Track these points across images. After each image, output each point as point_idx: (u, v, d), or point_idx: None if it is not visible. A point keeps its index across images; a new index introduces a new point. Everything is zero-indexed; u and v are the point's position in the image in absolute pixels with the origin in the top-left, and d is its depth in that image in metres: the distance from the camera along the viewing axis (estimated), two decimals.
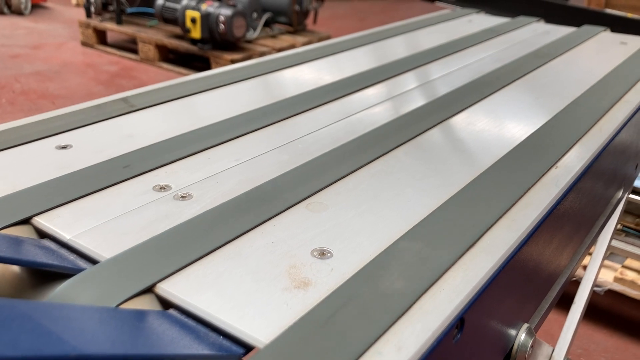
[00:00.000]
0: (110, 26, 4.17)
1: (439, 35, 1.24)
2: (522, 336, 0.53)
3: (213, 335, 0.36)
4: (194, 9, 3.61)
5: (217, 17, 3.55)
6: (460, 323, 0.39)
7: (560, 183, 0.58)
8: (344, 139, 0.66)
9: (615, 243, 1.75)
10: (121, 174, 0.55)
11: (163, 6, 3.84)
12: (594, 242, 0.86)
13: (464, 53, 1.09)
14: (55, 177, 0.54)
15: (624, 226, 1.77)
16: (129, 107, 0.69)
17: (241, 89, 0.84)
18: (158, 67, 3.93)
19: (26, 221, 0.47)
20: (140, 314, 0.36)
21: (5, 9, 5.06)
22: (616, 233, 1.69)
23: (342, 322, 0.35)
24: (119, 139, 0.64)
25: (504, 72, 0.96)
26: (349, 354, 0.33)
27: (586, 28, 1.35)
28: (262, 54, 3.74)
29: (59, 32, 4.68)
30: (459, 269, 0.42)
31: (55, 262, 0.41)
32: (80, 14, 4.74)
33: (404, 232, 0.47)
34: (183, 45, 3.79)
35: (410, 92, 0.86)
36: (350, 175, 0.58)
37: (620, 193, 0.94)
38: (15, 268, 0.42)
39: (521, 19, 1.43)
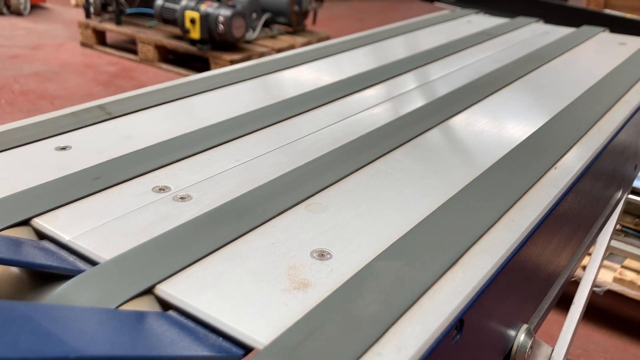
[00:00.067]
0: (109, 27, 4.17)
1: (438, 35, 1.24)
2: (521, 337, 0.53)
3: (212, 337, 0.36)
4: (193, 9, 3.61)
5: (217, 17, 3.55)
6: (459, 324, 0.39)
7: (560, 184, 0.58)
8: (344, 140, 0.67)
9: (614, 243, 1.75)
10: (92, 185, 0.53)
11: (162, 7, 3.85)
12: (593, 242, 0.86)
13: (463, 54, 1.09)
14: (55, 178, 0.54)
15: (623, 226, 1.77)
16: (106, 115, 0.68)
17: (241, 90, 0.84)
18: (157, 68, 3.93)
19: (26, 222, 0.47)
20: (140, 315, 0.36)
21: (5, 10, 5.06)
22: (615, 233, 1.69)
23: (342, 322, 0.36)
24: (118, 140, 0.64)
25: (504, 72, 0.97)
26: (348, 354, 0.33)
27: (585, 28, 1.35)
28: (262, 55, 3.74)
29: (58, 32, 4.67)
30: (458, 270, 0.42)
31: (54, 264, 0.41)
32: (80, 14, 4.74)
33: (404, 233, 0.47)
34: (182, 45, 3.79)
35: (410, 93, 0.86)
36: (350, 176, 0.58)
37: (620, 193, 0.94)
38: (15, 269, 0.42)
39: (520, 19, 1.43)
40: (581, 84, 0.92)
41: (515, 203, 0.53)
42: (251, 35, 3.91)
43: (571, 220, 0.64)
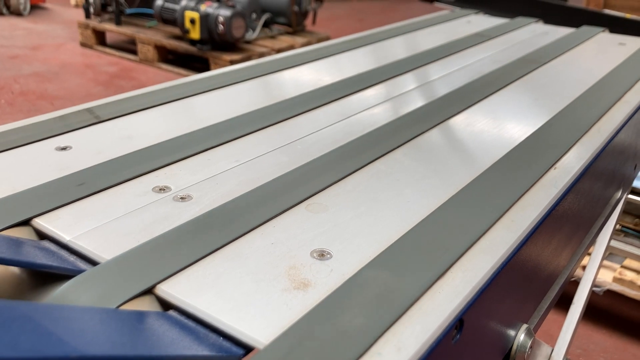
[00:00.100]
0: (109, 27, 4.17)
1: (438, 36, 1.24)
2: (521, 336, 0.53)
3: (213, 336, 0.36)
4: (193, 9, 3.61)
5: (216, 17, 3.55)
6: (459, 324, 0.39)
7: (559, 184, 0.58)
8: (344, 140, 0.67)
9: (614, 243, 1.75)
10: (76, 191, 0.52)
11: (162, 7, 3.85)
12: (593, 242, 0.86)
13: (463, 54, 1.10)
14: (55, 179, 0.54)
15: (622, 226, 1.77)
16: (94, 119, 0.67)
17: (241, 90, 0.84)
18: (157, 68, 3.93)
19: (26, 222, 0.47)
20: (141, 315, 0.36)
21: (4, 10, 5.06)
22: (615, 233, 1.69)
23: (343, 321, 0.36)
24: (118, 141, 0.64)
25: (503, 72, 0.97)
26: (349, 355, 0.33)
27: (585, 29, 1.35)
28: (261, 55, 3.74)
29: (58, 32, 4.67)
30: (458, 270, 0.42)
31: (55, 264, 0.41)
32: (79, 14, 4.74)
33: (404, 233, 0.47)
34: (182, 46, 3.79)
35: (410, 93, 0.86)
36: (350, 176, 0.58)
37: (619, 193, 0.94)
38: (15, 269, 0.42)
39: (520, 19, 1.43)
40: (581, 84, 0.92)
41: (515, 203, 0.53)
42: (251, 35, 3.92)
43: (571, 220, 0.64)
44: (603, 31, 1.34)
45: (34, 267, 0.41)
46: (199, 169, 0.58)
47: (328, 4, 6.07)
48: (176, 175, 0.57)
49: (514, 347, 0.53)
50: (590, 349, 1.68)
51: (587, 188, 0.68)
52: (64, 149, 0.61)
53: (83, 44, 4.34)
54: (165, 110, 0.74)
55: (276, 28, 4.25)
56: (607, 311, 1.84)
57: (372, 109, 0.78)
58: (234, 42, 3.68)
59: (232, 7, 3.58)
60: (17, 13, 5.09)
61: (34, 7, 5.37)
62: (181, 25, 3.68)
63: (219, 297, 0.38)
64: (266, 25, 4.16)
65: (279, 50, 3.80)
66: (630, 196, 1.72)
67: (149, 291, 0.39)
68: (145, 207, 0.50)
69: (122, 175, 0.55)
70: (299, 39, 4.11)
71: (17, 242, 0.43)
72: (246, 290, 0.39)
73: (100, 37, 4.31)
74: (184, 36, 3.76)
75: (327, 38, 4.24)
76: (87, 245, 0.44)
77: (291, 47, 3.88)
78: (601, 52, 1.15)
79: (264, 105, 0.77)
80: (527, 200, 0.54)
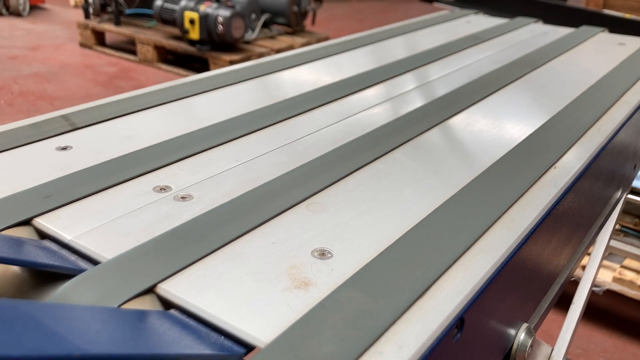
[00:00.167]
0: (108, 27, 4.17)
1: (437, 36, 1.25)
2: (521, 336, 0.53)
3: (214, 335, 0.36)
4: (192, 10, 3.61)
5: (216, 18, 3.55)
6: (460, 323, 0.39)
7: (559, 183, 0.58)
8: (344, 140, 0.67)
9: (613, 243, 1.75)
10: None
11: (161, 7, 3.85)
12: (592, 242, 0.86)
13: (462, 54, 1.10)
14: (55, 178, 0.54)
15: (622, 226, 1.77)
16: (69, 126, 0.66)
17: (240, 90, 0.84)
18: (157, 68, 3.93)
19: (27, 222, 0.47)
20: (142, 314, 0.36)
21: (4, 10, 5.06)
22: (615, 233, 1.69)
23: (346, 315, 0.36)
24: (118, 141, 0.64)
25: (503, 72, 0.97)
26: (350, 353, 0.33)
27: (584, 29, 1.35)
28: (261, 55, 3.74)
29: (57, 33, 4.67)
30: (458, 269, 0.42)
31: (56, 263, 0.41)
32: (79, 15, 4.74)
33: (404, 233, 0.47)
34: (181, 46, 3.79)
35: (409, 93, 0.86)
36: (350, 175, 0.58)
37: (619, 193, 0.95)
38: (17, 269, 0.42)
39: (519, 19, 1.43)
40: (580, 84, 0.92)
41: (515, 203, 0.53)
42: (250, 35, 3.92)
43: (571, 219, 0.65)
44: (602, 31, 1.35)
45: (35, 267, 0.41)
46: (199, 169, 0.58)
47: (327, 4, 6.07)
48: (176, 175, 0.57)
49: (515, 346, 0.53)
50: (590, 348, 1.68)
51: (587, 188, 0.68)
52: (64, 148, 0.61)
53: (82, 45, 4.34)
54: (165, 111, 0.74)
55: (275, 28, 4.25)
56: (606, 311, 1.84)
57: (372, 109, 0.78)
58: (234, 42, 3.69)
59: (232, 7, 3.58)
60: (17, 13, 5.09)
61: (33, 8, 5.37)
62: (180, 25, 3.68)
63: (220, 296, 0.38)
64: (265, 25, 4.16)
65: (278, 51, 3.80)
66: (630, 196, 1.72)
67: (150, 290, 0.39)
68: (146, 206, 0.50)
69: (122, 175, 0.55)
70: (298, 39, 4.11)
71: (18, 242, 0.43)
72: (247, 290, 0.39)
73: (99, 38, 4.31)
74: (183, 36, 3.76)
75: (327, 38, 4.24)
76: (88, 245, 0.44)
77: (291, 48, 3.88)
78: (601, 52, 1.15)
79: (264, 105, 0.77)
80: (527, 199, 0.54)
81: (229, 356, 0.35)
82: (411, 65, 1.00)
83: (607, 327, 1.77)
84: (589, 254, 1.01)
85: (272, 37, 4.11)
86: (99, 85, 3.55)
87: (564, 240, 0.64)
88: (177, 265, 0.41)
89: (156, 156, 0.60)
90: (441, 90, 0.87)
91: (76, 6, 5.54)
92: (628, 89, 0.90)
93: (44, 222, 0.47)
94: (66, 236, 0.45)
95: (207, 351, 0.34)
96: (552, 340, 0.76)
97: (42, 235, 0.46)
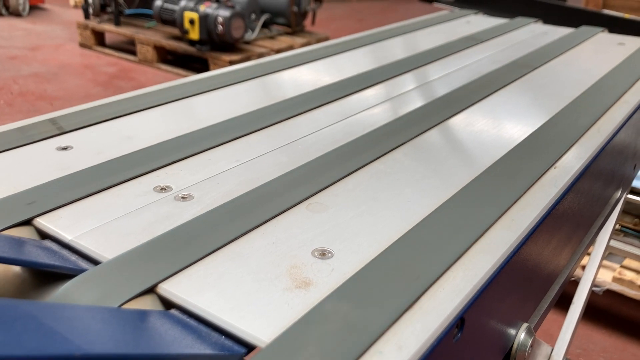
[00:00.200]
0: (108, 27, 4.17)
1: (437, 36, 1.25)
2: (521, 335, 0.53)
3: (215, 335, 0.36)
4: (192, 10, 3.61)
5: (216, 18, 3.55)
6: (460, 322, 0.39)
7: (559, 183, 0.58)
8: (344, 140, 0.67)
9: (613, 243, 1.75)
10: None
11: (161, 7, 3.85)
12: (592, 242, 0.87)
13: (462, 54, 1.10)
14: (56, 178, 0.54)
15: (622, 226, 1.77)
16: (57, 130, 0.65)
17: (240, 91, 0.84)
18: (156, 69, 3.93)
19: (28, 222, 0.47)
20: (143, 314, 0.36)
21: (3, 10, 5.06)
22: (615, 233, 1.69)
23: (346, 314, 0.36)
24: (118, 141, 0.64)
25: (503, 72, 0.97)
26: (350, 353, 0.33)
27: (584, 29, 1.35)
28: (261, 55, 3.74)
29: (57, 33, 4.67)
30: (458, 269, 0.42)
31: (57, 263, 0.41)
32: (79, 15, 4.74)
33: (404, 233, 0.47)
34: (181, 46, 3.79)
35: (409, 93, 0.86)
36: (350, 175, 0.58)
37: (619, 193, 0.95)
38: (17, 269, 0.42)
39: (519, 19, 1.43)
40: (580, 84, 0.92)
41: (515, 202, 0.53)
42: (250, 35, 3.92)
43: (571, 219, 0.65)
44: (602, 31, 1.35)
45: (36, 267, 0.41)
46: (199, 169, 0.58)
47: (327, 5, 6.07)
48: (177, 175, 0.57)
49: (515, 346, 0.53)
50: (590, 348, 1.68)
51: (587, 188, 0.68)
52: (64, 149, 0.61)
53: (82, 45, 4.34)
54: (165, 111, 0.74)
55: (275, 28, 4.25)
56: (606, 311, 1.84)
57: (372, 109, 0.78)
58: (233, 42, 3.69)
59: (232, 7, 3.58)
60: (16, 14, 5.09)
61: (33, 8, 5.37)
62: (180, 25, 3.68)
63: (221, 296, 0.38)
64: (265, 25, 4.16)
65: (278, 51, 3.80)
66: (630, 196, 1.72)
67: (151, 290, 0.39)
68: (147, 206, 0.50)
69: (123, 175, 0.55)
70: (298, 40, 4.11)
71: (18, 242, 0.43)
72: (248, 290, 0.39)
73: (99, 38, 4.31)
74: (183, 37, 3.76)
75: (327, 38, 4.24)
76: (88, 245, 0.44)
77: (290, 48, 3.89)
78: (600, 52, 1.15)
79: (264, 105, 0.77)
80: (527, 199, 0.54)
81: (229, 356, 0.35)
82: (411, 65, 1.00)
83: (607, 327, 1.77)
84: (588, 254, 1.01)
85: (272, 37, 4.12)
86: (99, 85, 3.55)
87: (564, 240, 0.64)
88: (178, 265, 0.41)
89: (156, 156, 0.60)
90: (441, 90, 0.87)
91: (76, 6, 5.54)
92: (628, 89, 0.90)
93: (45, 222, 0.47)
94: (67, 236, 0.45)
95: (207, 351, 0.34)
96: (552, 340, 0.76)
97: (43, 235, 0.46)
